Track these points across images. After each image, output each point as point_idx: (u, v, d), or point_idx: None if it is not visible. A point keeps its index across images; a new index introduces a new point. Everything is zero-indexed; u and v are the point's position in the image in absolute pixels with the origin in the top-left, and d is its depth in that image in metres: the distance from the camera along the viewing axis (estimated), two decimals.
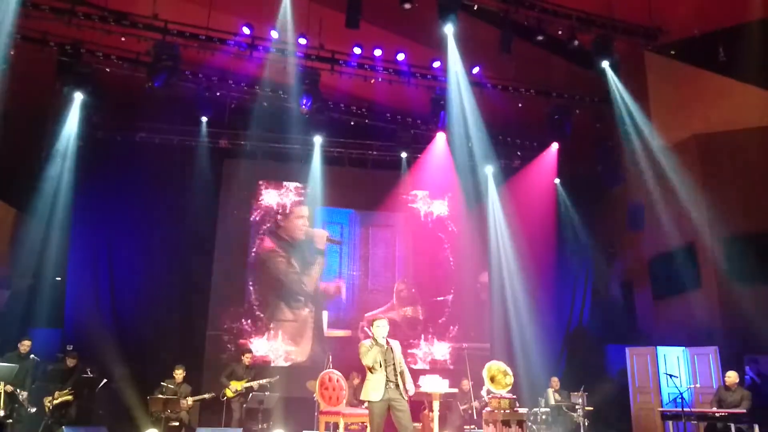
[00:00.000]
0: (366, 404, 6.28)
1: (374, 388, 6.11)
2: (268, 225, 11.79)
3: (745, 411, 8.26)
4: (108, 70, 9.76)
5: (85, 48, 9.23)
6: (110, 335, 9.95)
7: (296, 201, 11.95)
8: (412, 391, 6.20)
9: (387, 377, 6.12)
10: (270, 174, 11.90)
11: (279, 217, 11.88)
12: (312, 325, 11.50)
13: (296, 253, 11.75)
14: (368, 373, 6.24)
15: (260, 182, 11.89)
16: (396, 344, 6.37)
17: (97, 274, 10.67)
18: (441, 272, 12.26)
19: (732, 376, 8.97)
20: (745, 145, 9.64)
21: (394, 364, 6.18)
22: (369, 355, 6.16)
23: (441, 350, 11.91)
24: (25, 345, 8.64)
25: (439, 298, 12.10)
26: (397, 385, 6.16)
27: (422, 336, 11.91)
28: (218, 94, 10.55)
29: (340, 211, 12.12)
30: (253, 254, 11.62)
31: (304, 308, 11.58)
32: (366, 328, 11.20)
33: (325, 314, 11.52)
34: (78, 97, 10.01)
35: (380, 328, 6.24)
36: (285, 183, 11.95)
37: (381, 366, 6.14)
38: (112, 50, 9.61)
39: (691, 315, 10.45)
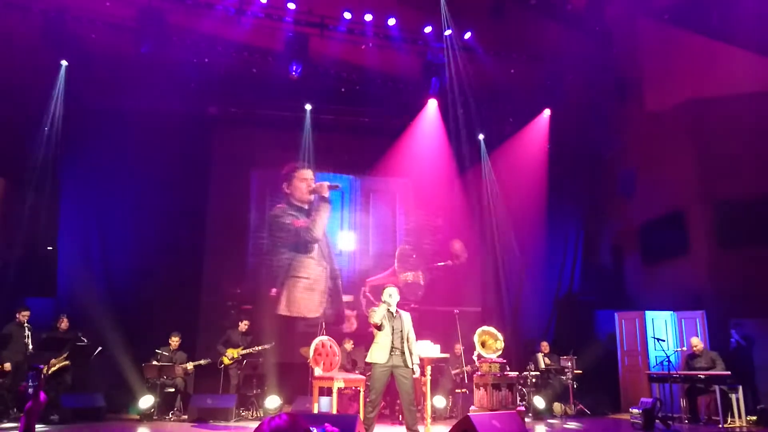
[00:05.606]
0: (370, 369, 6.38)
1: (379, 350, 6.23)
2: (273, 197, 11.61)
3: (729, 373, 8.45)
4: (93, 36, 9.56)
5: (69, 14, 9.02)
6: (104, 303, 9.91)
7: (292, 165, 11.74)
8: (416, 371, 6.33)
9: (393, 343, 6.24)
10: (260, 141, 11.75)
11: (284, 185, 11.64)
12: (326, 289, 11.38)
13: (306, 213, 11.57)
14: (375, 337, 6.34)
15: (250, 149, 11.71)
16: (406, 316, 6.48)
17: (89, 242, 10.58)
18: (439, 238, 12.26)
19: (696, 342, 9.13)
20: (737, 111, 9.63)
21: (401, 332, 6.30)
22: (378, 312, 6.27)
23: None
24: (24, 315, 8.69)
25: (439, 264, 12.16)
26: (402, 353, 6.27)
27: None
28: (206, 60, 10.34)
29: (340, 177, 12.00)
30: (254, 218, 11.51)
31: (318, 267, 11.42)
32: (368, 294, 11.38)
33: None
34: (63, 64, 9.89)
35: (392, 297, 6.36)
36: (275, 150, 11.79)
37: (388, 330, 6.25)
38: (97, 15, 9.40)
39: (680, 280, 10.60)
